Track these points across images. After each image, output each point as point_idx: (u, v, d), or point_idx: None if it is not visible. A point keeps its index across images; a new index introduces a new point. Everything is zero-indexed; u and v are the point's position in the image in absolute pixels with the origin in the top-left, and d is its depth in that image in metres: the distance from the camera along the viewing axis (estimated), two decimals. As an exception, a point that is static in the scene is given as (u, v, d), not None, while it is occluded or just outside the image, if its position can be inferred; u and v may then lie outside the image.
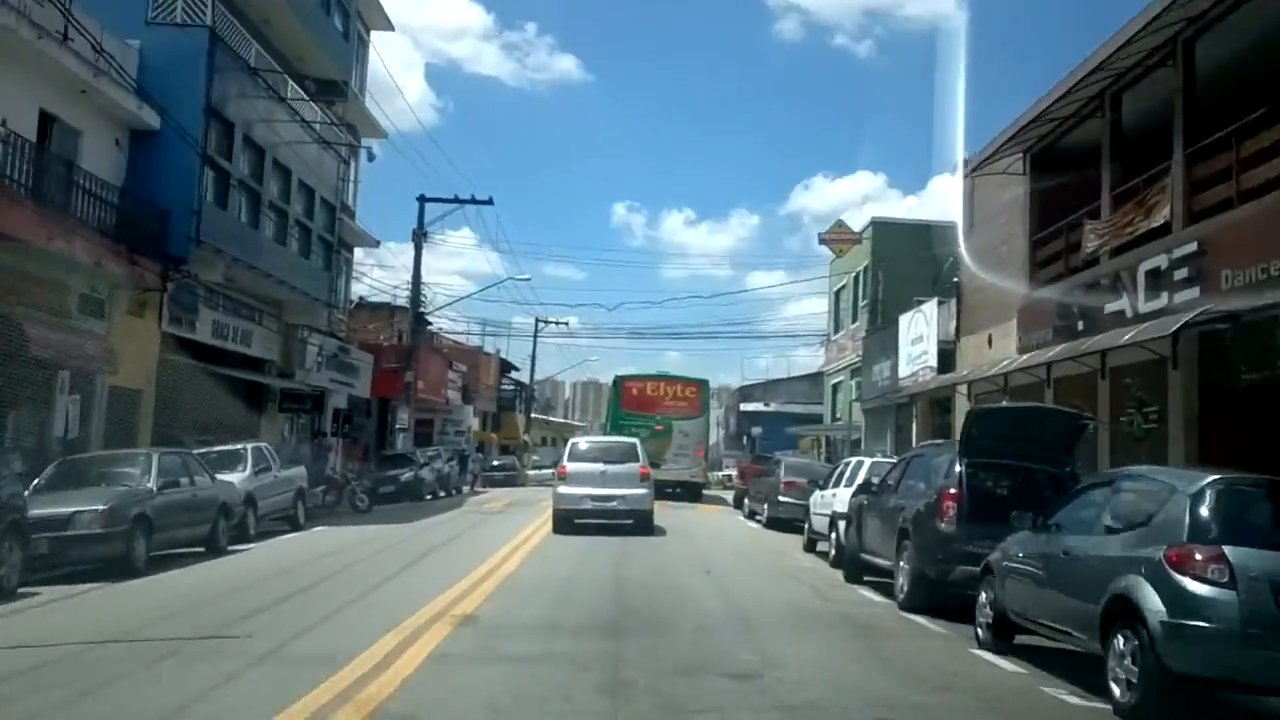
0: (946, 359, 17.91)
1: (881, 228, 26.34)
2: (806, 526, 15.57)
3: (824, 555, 13.96)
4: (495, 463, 44.00)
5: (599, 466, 17.34)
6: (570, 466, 17.54)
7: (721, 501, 26.39)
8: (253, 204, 19.46)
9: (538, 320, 55.75)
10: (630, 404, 25.20)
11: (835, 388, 32.19)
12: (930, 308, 18.76)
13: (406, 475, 24.55)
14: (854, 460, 15.17)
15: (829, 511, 13.57)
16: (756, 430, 47.03)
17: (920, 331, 19.13)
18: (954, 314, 17.79)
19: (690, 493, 26.07)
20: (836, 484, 14.30)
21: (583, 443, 19.51)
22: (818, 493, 15.16)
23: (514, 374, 59.43)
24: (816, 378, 59.68)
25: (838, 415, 31.29)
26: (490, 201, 34.09)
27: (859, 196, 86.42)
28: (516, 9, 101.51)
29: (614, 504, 16.94)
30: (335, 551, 13.15)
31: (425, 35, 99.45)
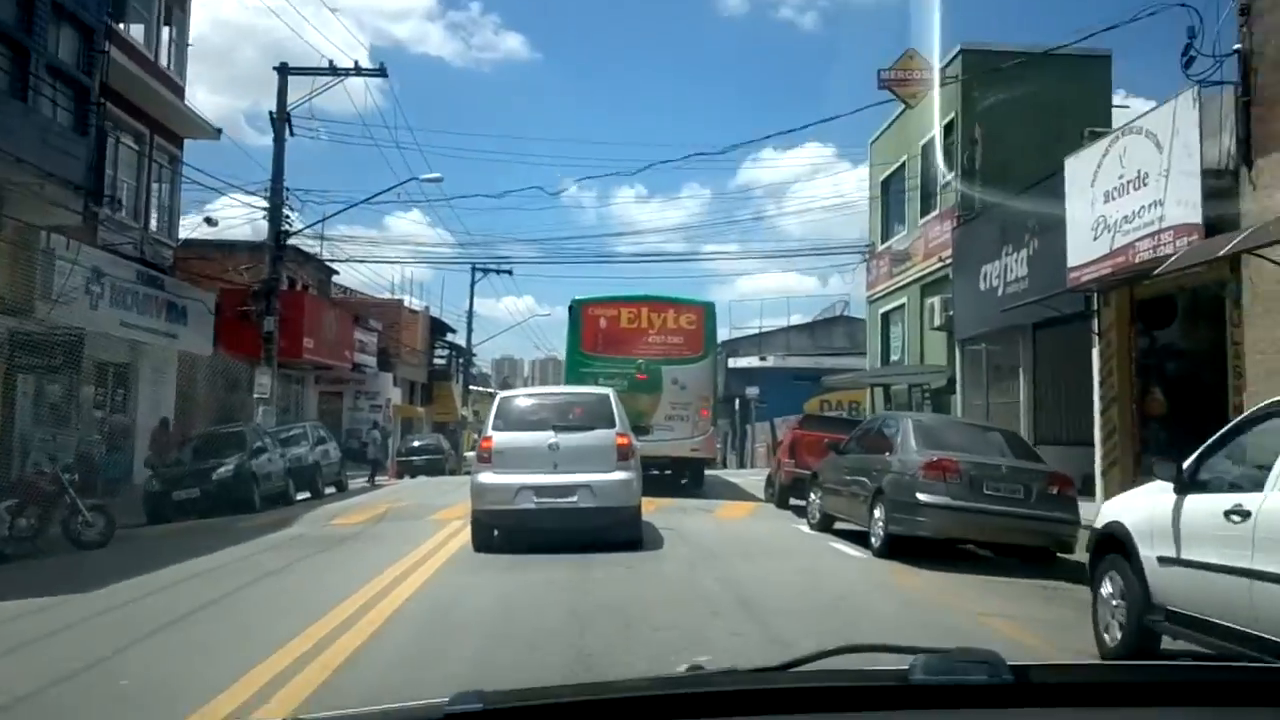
0: (1221, 203, 11.05)
1: (976, 58, 20.20)
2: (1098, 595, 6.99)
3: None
4: (415, 444, 37.92)
5: (546, 437, 11.65)
6: (499, 439, 11.73)
7: (741, 492, 20.30)
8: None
9: (474, 266, 49.99)
10: (596, 341, 19.10)
11: (886, 319, 26.27)
12: (1184, 110, 11.62)
13: (223, 471, 17.70)
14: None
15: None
16: (752, 391, 43.09)
17: (1142, 166, 12.14)
18: (1228, 121, 10.88)
19: (692, 475, 20.10)
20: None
21: (520, 398, 13.40)
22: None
23: (450, 337, 53.36)
24: (829, 325, 55.62)
25: (892, 356, 25.43)
26: (383, 72, 27.76)
27: (809, 168, 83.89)
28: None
29: (572, 499, 11.32)
30: None
31: (369, 16, 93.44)
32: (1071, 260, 14.22)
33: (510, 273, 51.52)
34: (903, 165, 24.50)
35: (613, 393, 12.64)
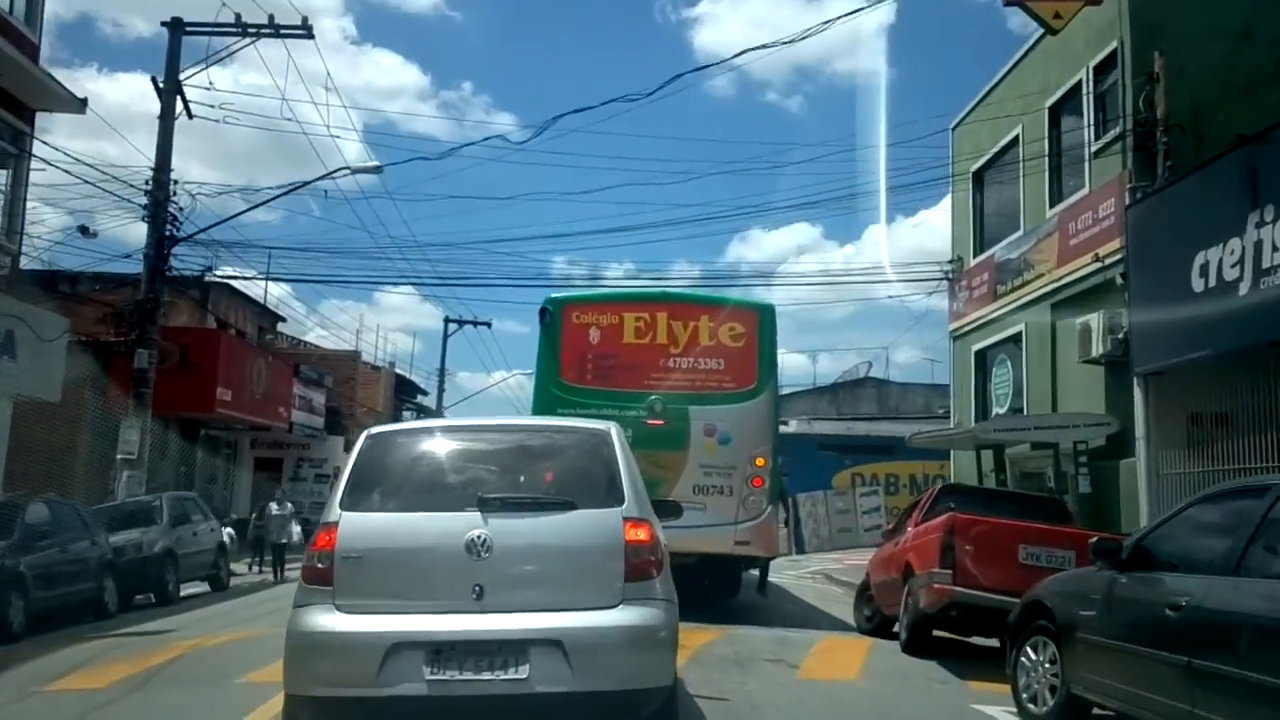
0: None
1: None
2: None
3: None
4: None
5: (462, 524, 5.12)
6: (355, 528, 5.14)
7: (806, 608, 13.24)
8: None
9: (447, 321, 43.79)
10: (584, 364, 12.17)
11: (983, 357, 19.44)
12: None
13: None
14: None
15: None
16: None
17: None
18: None
19: (728, 578, 13.14)
20: None
21: (412, 438, 6.11)
22: None
23: (420, 399, 46.83)
24: (855, 388, 49.51)
25: (993, 408, 18.55)
26: (307, 31, 21.33)
27: (795, 247, 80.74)
28: (452, 69, 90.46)
29: (517, 673, 4.86)
30: None
31: (361, 95, 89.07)
32: None
33: (489, 325, 45.49)
34: (1014, 141, 17.86)
35: (616, 430, 5.73)
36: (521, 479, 5.45)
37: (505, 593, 4.96)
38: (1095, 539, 6.59)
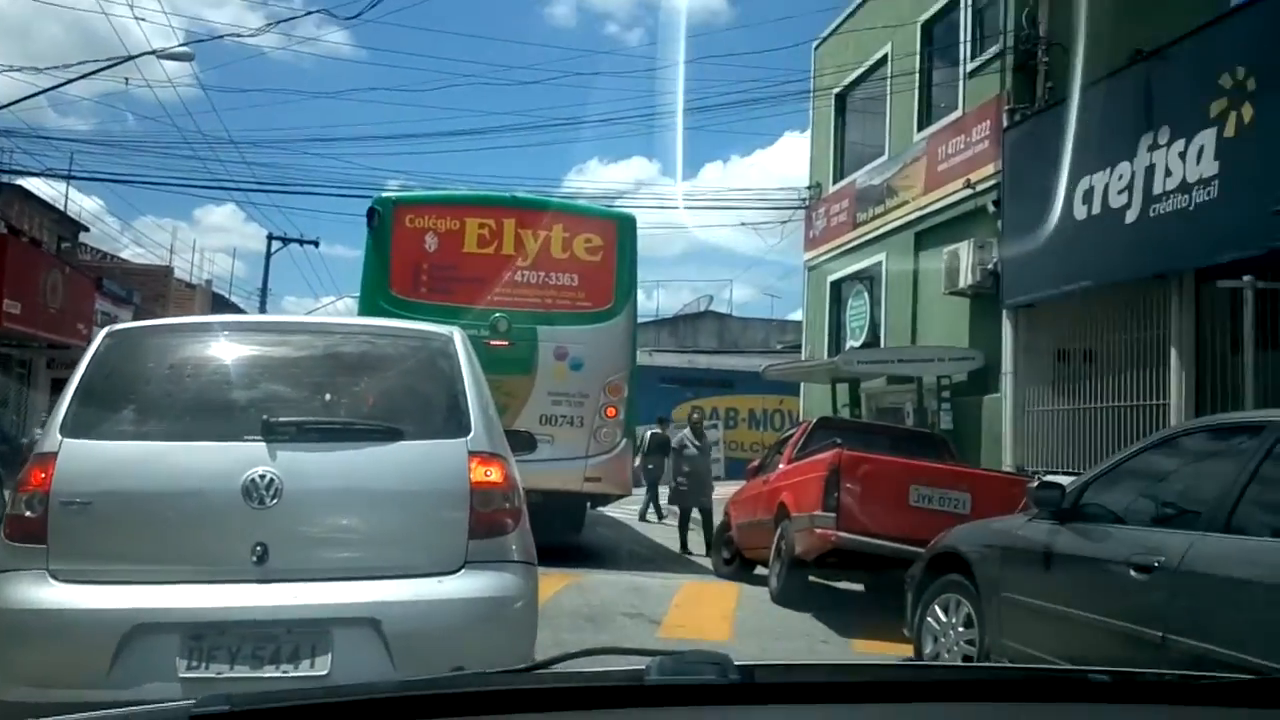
0: None
1: None
2: None
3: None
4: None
5: (240, 458, 3.65)
6: (79, 465, 3.62)
7: (653, 547, 12.28)
8: None
9: (271, 238, 40.72)
10: (418, 275, 10.65)
11: (838, 289, 18.73)
12: None
13: None
14: None
15: None
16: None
17: None
18: None
19: (574, 518, 11.98)
20: None
21: (174, 337, 4.31)
22: None
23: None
24: (695, 321, 49.13)
25: (846, 341, 17.87)
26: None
27: (634, 182, 79.79)
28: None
29: (316, 666, 3.50)
30: None
31: (185, 2, 79.72)
32: None
33: (316, 244, 42.70)
34: (882, 60, 16.98)
35: (461, 337, 4.37)
36: (328, 398, 4.06)
37: (299, 554, 3.62)
38: (1036, 483, 5.66)
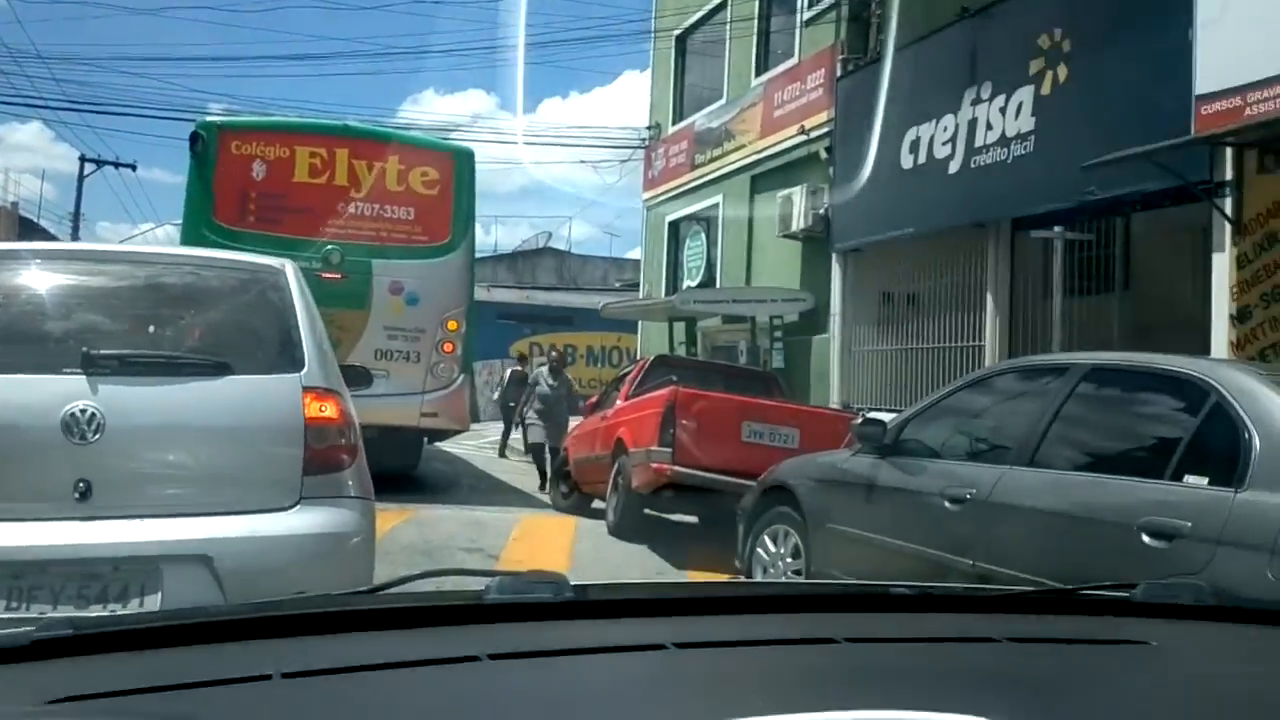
0: None
1: None
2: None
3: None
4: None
5: (58, 392, 3.54)
6: None
7: (491, 480, 12.31)
8: None
9: (83, 160, 38.09)
10: (245, 204, 10.18)
11: (677, 229, 18.93)
12: None
13: None
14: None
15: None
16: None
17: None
18: None
19: (410, 453, 11.86)
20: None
21: None
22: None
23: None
24: (534, 257, 48.88)
25: (684, 280, 18.13)
26: None
27: (470, 115, 77.94)
28: None
29: (135, 614, 2.71)
30: None
31: None
32: (1203, 85, 7.66)
33: (133, 168, 40.19)
34: (723, 3, 17.07)
35: (293, 269, 4.26)
36: (152, 331, 3.90)
37: (125, 491, 3.49)
38: (859, 419, 5.92)
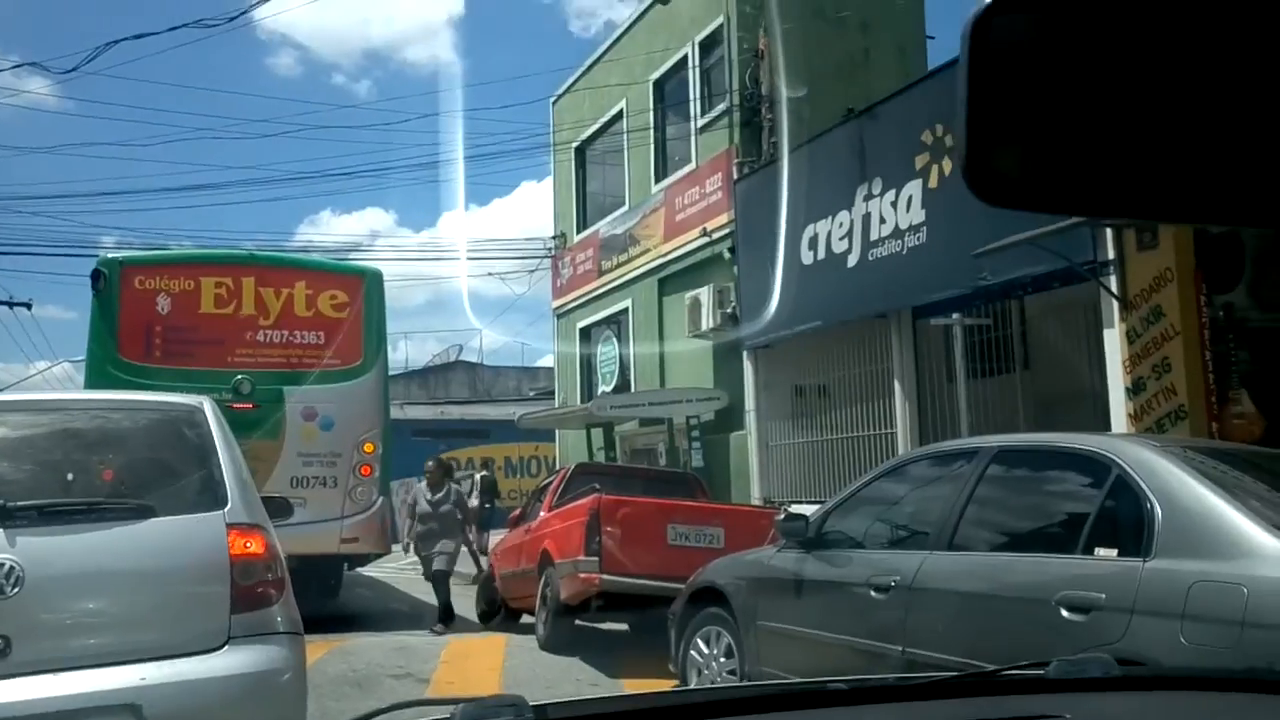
0: None
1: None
2: None
3: None
4: None
5: None
6: None
7: (410, 601, 11.92)
8: None
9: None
10: (151, 340, 10.09)
11: (588, 335, 19.14)
12: None
13: None
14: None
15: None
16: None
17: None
18: None
19: (331, 580, 11.61)
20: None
21: None
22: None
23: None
24: (446, 372, 48.69)
25: (599, 387, 18.28)
26: None
27: (368, 232, 78.84)
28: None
29: None
30: None
31: None
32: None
33: (29, 306, 39.11)
34: (618, 115, 17.62)
35: (211, 406, 4.26)
36: (70, 478, 3.85)
37: (47, 643, 3.42)
38: (782, 515, 6.03)
